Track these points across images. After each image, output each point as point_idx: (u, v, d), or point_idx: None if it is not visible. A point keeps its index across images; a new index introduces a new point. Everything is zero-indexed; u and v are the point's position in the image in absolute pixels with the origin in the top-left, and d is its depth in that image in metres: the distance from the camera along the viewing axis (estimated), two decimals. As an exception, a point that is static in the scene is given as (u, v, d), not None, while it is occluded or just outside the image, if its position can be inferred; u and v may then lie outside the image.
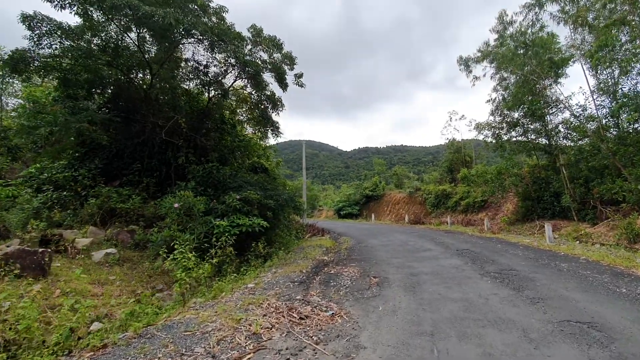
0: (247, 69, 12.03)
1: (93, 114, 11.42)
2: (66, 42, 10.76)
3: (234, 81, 13.05)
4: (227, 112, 13.88)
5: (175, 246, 6.28)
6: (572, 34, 17.18)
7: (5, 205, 9.40)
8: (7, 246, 7.43)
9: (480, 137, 22.02)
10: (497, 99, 19.67)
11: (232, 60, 11.74)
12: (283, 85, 13.71)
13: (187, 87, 13.23)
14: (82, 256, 7.91)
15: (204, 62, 12.03)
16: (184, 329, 4.56)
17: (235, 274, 8.23)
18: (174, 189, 10.76)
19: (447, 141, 32.66)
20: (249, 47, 12.45)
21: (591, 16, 15.89)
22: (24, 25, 9.81)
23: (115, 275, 7.44)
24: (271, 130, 13.98)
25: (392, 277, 7.66)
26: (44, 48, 10.58)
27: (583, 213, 15.55)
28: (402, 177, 40.43)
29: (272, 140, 16.83)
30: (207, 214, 10.05)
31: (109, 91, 13.17)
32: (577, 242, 12.74)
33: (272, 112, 14.20)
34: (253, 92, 13.45)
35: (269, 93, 13.93)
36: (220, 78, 12.70)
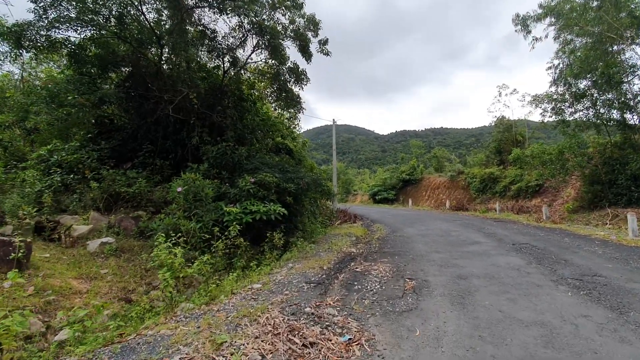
0: (265, 36, 10.60)
1: (105, 92, 10.67)
2: (72, 13, 9.95)
3: (252, 52, 11.75)
4: (246, 87, 12.63)
5: (159, 238, 5.15)
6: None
7: (16, 189, 8.95)
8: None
9: (537, 113, 19.14)
10: (561, 65, 16.64)
11: (247, 25, 10.38)
12: (307, 55, 12.16)
13: (201, 61, 12.12)
14: (78, 246, 7.14)
15: (212, 26, 10.76)
16: (145, 355, 3.39)
17: (244, 269, 7.09)
18: (186, 172, 9.79)
19: (494, 119, 29.36)
20: (267, 11, 10.99)
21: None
22: (27, -3, 9.10)
23: (109, 268, 6.56)
24: (292, 105, 12.56)
25: (434, 281, 6.08)
26: (50, 22, 9.88)
27: (674, 200, 12.70)
28: (443, 160, 37.54)
29: (302, 123, 15.41)
30: (219, 199, 8.98)
31: (125, 70, 12.41)
32: (670, 236, 10.19)
33: (296, 87, 12.78)
34: (273, 64, 12.04)
35: (291, 65, 12.45)
36: (235, 47, 11.42)
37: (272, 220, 8.74)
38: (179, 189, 7.73)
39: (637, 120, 14.30)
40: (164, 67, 11.66)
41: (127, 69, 12.13)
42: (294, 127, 16.43)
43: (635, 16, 12.92)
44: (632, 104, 14.29)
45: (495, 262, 7.41)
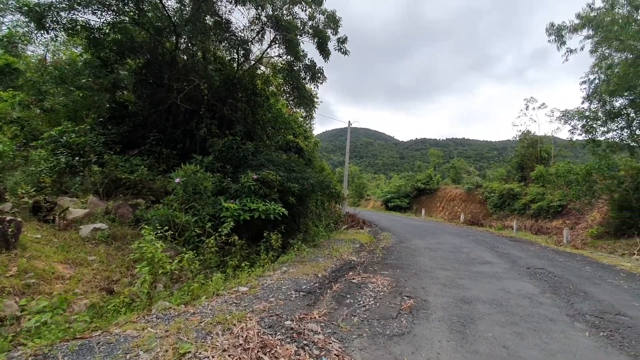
0: (282, 30, 10.32)
1: (117, 76, 10.64)
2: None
3: (269, 46, 11.47)
4: (260, 82, 12.38)
5: (143, 231, 4.88)
6: None
7: (21, 167, 8.99)
8: (-3, 210, 6.78)
9: (565, 130, 18.11)
10: (596, 80, 15.62)
11: (264, 18, 10.13)
12: (325, 52, 11.79)
13: (217, 53, 11.97)
14: (72, 229, 7.02)
15: (227, 17, 10.53)
16: (100, 357, 3.10)
17: (236, 269, 6.78)
18: (192, 163, 9.62)
19: (519, 133, 28.13)
20: (286, 5, 10.70)
21: None
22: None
23: (97, 255, 6.38)
24: (305, 103, 12.20)
25: (434, 302, 5.57)
26: (71, 3, 9.92)
27: None
28: (461, 172, 36.37)
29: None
30: (220, 194, 8.74)
31: (143, 58, 12.41)
32: None
33: (311, 84, 12.42)
34: (288, 59, 11.73)
35: (307, 62, 12.12)
36: (251, 40, 11.19)
37: (271, 220, 8.41)
38: (177, 180, 7.51)
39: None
40: (181, 56, 11.56)
41: (145, 57, 12.12)
42: (308, 126, 16.11)
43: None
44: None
45: (505, 286, 6.81)
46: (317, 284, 6.23)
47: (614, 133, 15.78)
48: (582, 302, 5.97)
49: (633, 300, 6.24)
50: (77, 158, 9.22)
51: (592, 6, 13.84)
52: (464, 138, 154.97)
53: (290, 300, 5.22)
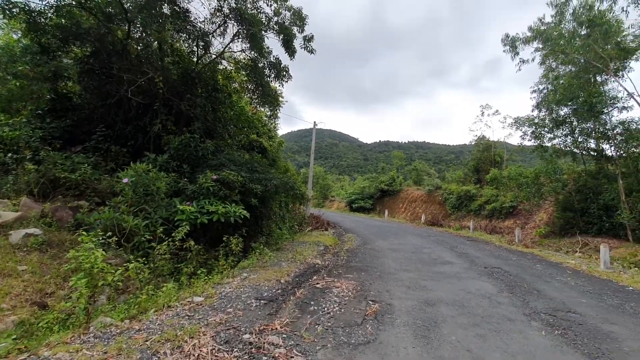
0: (245, 24, 9.88)
1: (59, 64, 9.60)
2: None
3: (231, 40, 10.94)
4: (221, 78, 11.80)
5: (81, 238, 4.30)
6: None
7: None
8: None
9: (517, 136, 19.28)
10: (545, 90, 16.76)
11: (227, 10, 9.65)
12: (290, 50, 11.49)
13: (175, 44, 11.23)
14: (0, 235, 6.13)
15: (184, 6, 9.87)
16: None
17: (191, 277, 6.28)
18: (144, 161, 8.88)
19: (475, 138, 29.63)
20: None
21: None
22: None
23: (28, 264, 5.60)
24: (269, 101, 11.82)
25: (399, 305, 5.49)
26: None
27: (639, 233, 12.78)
28: (422, 174, 37.63)
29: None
30: (176, 195, 8.14)
31: (91, 46, 11.33)
32: (638, 269, 10.12)
33: (276, 82, 12.07)
34: (252, 55, 11.29)
35: (273, 60, 11.75)
36: (212, 33, 10.61)
37: (232, 223, 7.96)
38: (125, 180, 6.85)
39: (614, 151, 14.43)
40: (133, 46, 10.70)
41: (93, 45, 11.08)
42: (273, 126, 15.68)
43: (622, 48, 13.06)
44: (609, 134, 14.43)
45: (466, 286, 6.94)
46: (279, 291, 5.92)
47: (559, 139, 16.99)
48: (537, 300, 6.20)
49: (580, 297, 6.60)
50: (9, 154, 8.18)
51: (542, 20, 14.81)
52: (424, 141, 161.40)
53: (250, 310, 4.89)
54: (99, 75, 10.26)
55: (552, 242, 15.34)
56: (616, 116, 14.58)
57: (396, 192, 35.29)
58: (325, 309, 5.15)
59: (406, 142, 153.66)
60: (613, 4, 12.69)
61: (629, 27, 13.65)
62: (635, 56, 13.94)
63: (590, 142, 16.30)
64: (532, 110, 17.73)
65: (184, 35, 10.59)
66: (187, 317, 4.38)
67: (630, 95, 13.26)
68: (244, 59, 11.62)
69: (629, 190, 13.51)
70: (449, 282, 7.31)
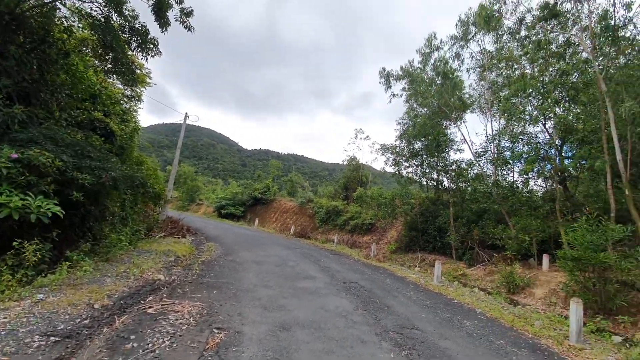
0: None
1: None
2: None
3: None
4: (57, 30, 8.88)
5: None
6: (477, 84, 17.92)
7: None
8: None
9: (381, 161, 21.62)
10: (407, 124, 19.24)
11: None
12: (163, 20, 9.59)
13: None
14: None
15: None
16: None
17: None
18: None
19: (347, 158, 32.09)
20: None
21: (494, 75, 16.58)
22: None
23: None
24: (124, 73, 9.53)
25: (250, 333, 4.62)
26: None
27: (460, 252, 15.54)
28: (297, 186, 38.56)
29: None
30: None
31: None
32: (458, 283, 12.09)
33: (141, 55, 9.88)
34: (108, 11, 8.88)
35: (138, 27, 9.61)
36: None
37: (35, 223, 5.68)
38: None
39: (449, 183, 17.44)
40: None
41: None
42: (132, 108, 12.87)
43: (462, 101, 16.02)
44: (447, 169, 17.40)
45: (325, 304, 6.63)
46: (87, 320, 4.28)
47: (412, 168, 19.74)
48: (387, 317, 6.31)
49: (421, 312, 7.12)
50: None
51: (411, 63, 17.12)
52: (303, 155, 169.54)
53: (25, 355, 3.21)
54: None
55: (399, 256, 17.35)
56: (453, 155, 17.82)
57: (270, 201, 34.92)
58: (150, 345, 3.86)
59: (286, 153, 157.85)
60: (460, 64, 15.53)
61: (467, 87, 17.05)
62: (469, 110, 17.46)
63: (433, 173, 19.44)
64: (396, 140, 20.14)
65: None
66: None
67: (464, 140, 16.33)
68: (96, 12, 9.05)
69: (456, 216, 16.41)
70: (309, 299, 6.90)
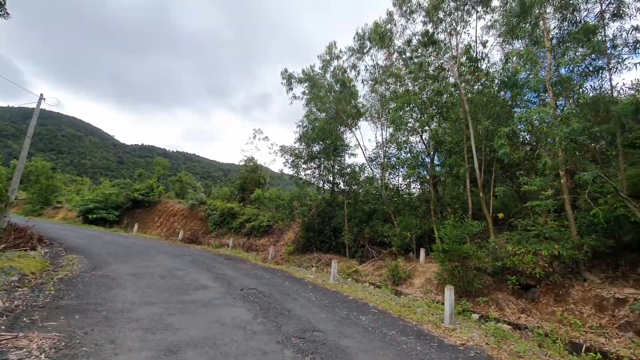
0: None
1: None
2: None
3: None
4: None
5: None
6: (369, 95, 19.58)
7: None
8: None
9: (280, 162, 21.55)
10: (307, 127, 19.59)
11: None
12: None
13: None
14: None
15: None
16: None
17: None
18: None
19: (245, 158, 31.01)
20: None
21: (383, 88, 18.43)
22: None
23: None
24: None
25: (124, 366, 3.74)
26: None
27: (353, 250, 16.56)
28: (188, 186, 35.37)
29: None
30: None
31: None
32: (351, 279, 12.77)
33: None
34: None
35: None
36: None
37: None
38: None
39: (344, 185, 18.44)
40: None
41: None
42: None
43: (357, 109, 17.13)
44: (343, 172, 18.39)
45: (221, 317, 5.98)
46: None
47: (310, 171, 20.22)
48: (288, 322, 6.06)
49: (320, 312, 7.11)
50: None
51: (313, 68, 17.50)
52: (194, 154, 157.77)
53: None
54: None
55: (297, 258, 17.45)
56: (348, 159, 18.98)
57: (153, 203, 31.03)
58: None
59: (174, 151, 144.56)
60: (357, 74, 16.64)
61: (361, 97, 18.39)
62: (363, 118, 18.85)
63: (329, 176, 20.30)
64: (295, 142, 20.31)
65: None
66: None
67: (358, 145, 17.52)
68: None
69: (350, 217, 17.43)
70: (203, 312, 6.14)
